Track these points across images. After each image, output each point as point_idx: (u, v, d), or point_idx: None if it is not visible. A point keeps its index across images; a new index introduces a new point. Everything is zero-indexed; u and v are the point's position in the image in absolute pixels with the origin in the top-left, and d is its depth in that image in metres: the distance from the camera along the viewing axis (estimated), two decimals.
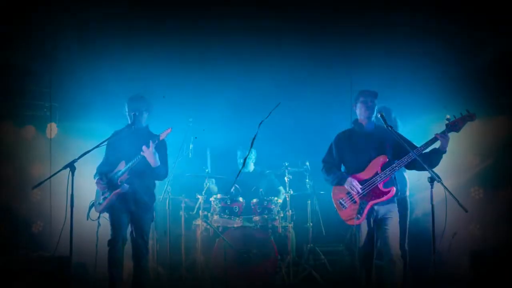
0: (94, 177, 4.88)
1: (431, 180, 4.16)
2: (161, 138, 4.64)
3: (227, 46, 6.28)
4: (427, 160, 4.33)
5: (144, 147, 4.62)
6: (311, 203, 6.34)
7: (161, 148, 4.76)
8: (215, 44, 6.25)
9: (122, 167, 4.75)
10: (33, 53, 6.13)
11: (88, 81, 6.32)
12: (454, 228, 5.28)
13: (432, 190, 4.16)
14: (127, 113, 4.87)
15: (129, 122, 4.84)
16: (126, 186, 4.70)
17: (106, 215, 4.82)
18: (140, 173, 4.73)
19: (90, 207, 4.84)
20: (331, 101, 6.60)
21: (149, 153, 4.63)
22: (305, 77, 6.60)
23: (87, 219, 4.77)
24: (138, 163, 4.68)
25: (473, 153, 6.05)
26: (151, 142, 4.60)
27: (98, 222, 4.80)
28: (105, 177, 4.78)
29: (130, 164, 4.69)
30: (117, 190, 4.70)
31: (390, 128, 4.44)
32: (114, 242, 4.70)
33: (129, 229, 4.81)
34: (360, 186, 4.52)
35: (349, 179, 4.57)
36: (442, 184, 4.09)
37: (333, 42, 6.20)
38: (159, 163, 4.71)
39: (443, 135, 4.38)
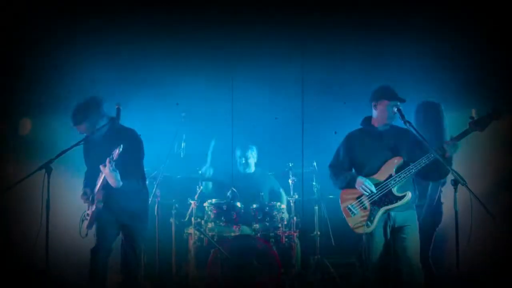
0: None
1: (455, 183, 4.19)
2: (114, 158, 4.48)
3: (227, 42, 6.41)
4: (435, 170, 4.40)
5: (101, 167, 4.55)
6: (319, 209, 6.34)
7: (128, 155, 4.59)
8: (215, 40, 6.39)
9: (100, 181, 4.74)
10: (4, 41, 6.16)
11: (68, 71, 6.34)
12: (480, 236, 5.30)
13: (456, 194, 4.18)
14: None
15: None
16: (100, 205, 4.71)
17: None
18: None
19: (82, 221, 4.88)
20: (339, 97, 6.64)
21: (106, 173, 4.56)
22: (311, 72, 6.62)
23: (80, 234, 4.81)
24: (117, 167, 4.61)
25: (501, 153, 6.05)
26: (108, 160, 4.47)
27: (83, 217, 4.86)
28: (89, 192, 4.83)
29: (100, 180, 4.68)
30: (94, 208, 4.74)
31: (408, 124, 4.46)
32: (96, 251, 4.75)
33: (121, 239, 4.86)
34: (374, 187, 4.54)
35: (361, 178, 4.58)
36: (467, 187, 4.12)
37: (343, 36, 6.33)
38: (121, 183, 4.60)
39: (450, 143, 4.39)
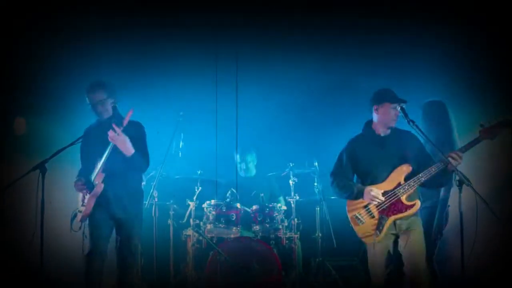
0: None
1: (460, 184, 4.16)
2: (124, 123, 4.53)
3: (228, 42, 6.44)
4: (436, 180, 4.41)
5: (110, 133, 4.50)
6: (320, 210, 6.32)
7: (135, 132, 4.65)
8: (215, 40, 6.41)
9: (99, 164, 4.69)
10: None
11: (62, 68, 6.33)
12: (485, 237, 5.29)
13: (460, 194, 4.16)
14: (91, 107, 4.83)
15: (98, 117, 4.84)
16: (101, 185, 4.66)
17: None
18: (118, 170, 4.67)
19: (73, 218, 4.81)
20: (341, 95, 6.64)
21: (117, 140, 4.52)
22: (312, 70, 6.62)
23: (71, 231, 4.76)
24: (114, 160, 4.60)
25: (505, 153, 6.04)
26: (115, 125, 4.49)
27: (83, 234, 4.77)
28: (83, 178, 4.77)
29: (103, 158, 4.61)
30: (93, 192, 4.67)
31: (412, 123, 4.42)
32: (92, 255, 4.71)
33: (115, 238, 4.81)
34: (382, 196, 4.49)
35: (368, 188, 4.54)
36: (472, 188, 4.09)
37: (349, 36, 6.37)
38: (133, 150, 4.59)
39: (455, 156, 4.35)
